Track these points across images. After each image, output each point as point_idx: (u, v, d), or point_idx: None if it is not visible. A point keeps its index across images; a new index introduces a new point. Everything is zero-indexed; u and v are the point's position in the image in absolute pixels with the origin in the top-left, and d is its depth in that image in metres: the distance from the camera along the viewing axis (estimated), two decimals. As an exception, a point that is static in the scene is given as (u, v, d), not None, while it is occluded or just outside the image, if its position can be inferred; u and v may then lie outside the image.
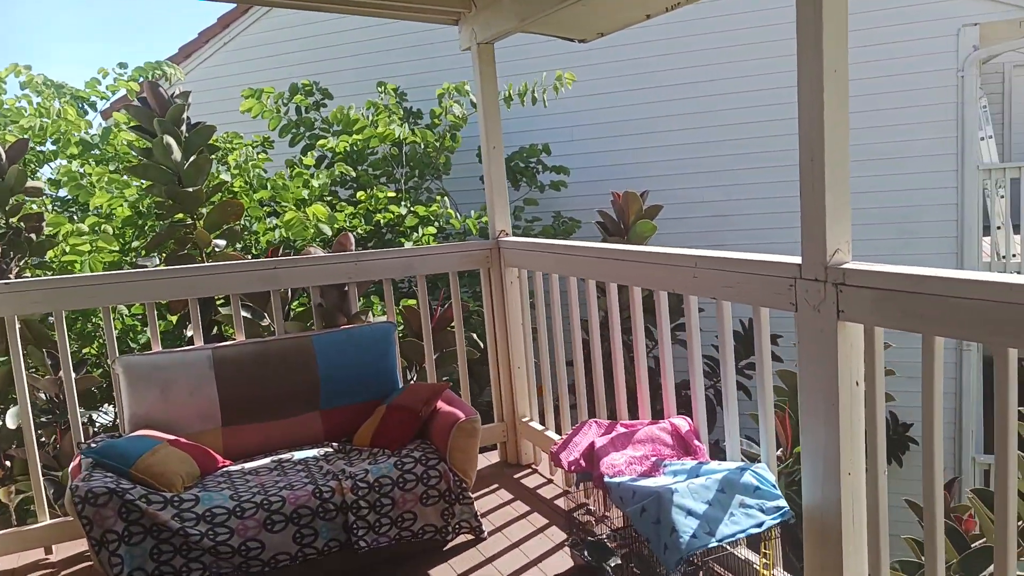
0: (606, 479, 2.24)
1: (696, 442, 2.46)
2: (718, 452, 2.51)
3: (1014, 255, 7.80)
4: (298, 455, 2.85)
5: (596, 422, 2.69)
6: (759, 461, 2.21)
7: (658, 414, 2.71)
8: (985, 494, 2.93)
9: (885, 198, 7.28)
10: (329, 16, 8.65)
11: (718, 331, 2.24)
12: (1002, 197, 7.61)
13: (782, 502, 2.07)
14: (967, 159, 7.11)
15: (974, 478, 7.59)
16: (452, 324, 4.37)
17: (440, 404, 2.98)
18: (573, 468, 2.41)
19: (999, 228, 7.73)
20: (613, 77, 8.00)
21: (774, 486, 2.10)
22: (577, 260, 2.89)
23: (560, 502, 3.11)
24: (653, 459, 2.35)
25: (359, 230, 5.98)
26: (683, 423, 2.52)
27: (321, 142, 6.82)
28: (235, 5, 8.89)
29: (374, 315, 4.23)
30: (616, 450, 2.39)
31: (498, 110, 3.38)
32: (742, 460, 2.33)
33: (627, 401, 2.88)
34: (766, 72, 7.49)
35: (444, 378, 4.30)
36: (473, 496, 2.83)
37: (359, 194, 6.22)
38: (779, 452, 3.71)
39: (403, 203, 6.21)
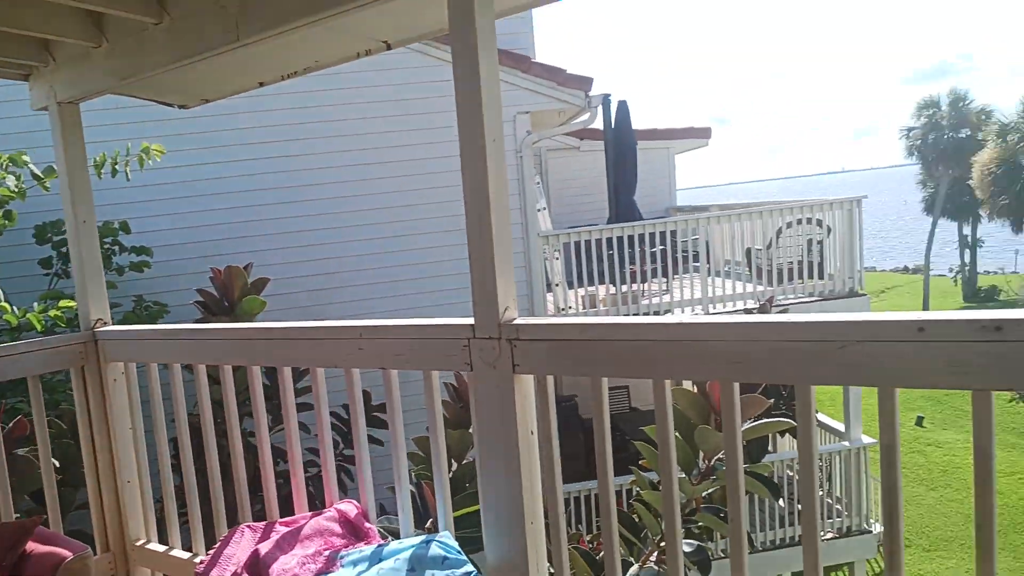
0: (282, 588, 1.96)
1: (367, 524, 2.31)
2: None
3: (570, 307, 9.21)
4: None
5: (249, 527, 2.37)
6: (438, 531, 2.16)
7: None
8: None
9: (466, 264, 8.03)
10: None
11: (387, 402, 2.15)
12: (557, 259, 8.97)
13: (470, 567, 2.04)
14: (530, 228, 8.23)
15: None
16: (31, 440, 3.54)
17: (33, 546, 2.35)
18: (236, 585, 2.07)
19: (557, 285, 9.07)
20: (199, 149, 7.52)
21: (460, 552, 2.06)
22: (211, 344, 2.55)
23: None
24: (327, 553, 2.14)
25: None
26: (350, 507, 2.35)
27: None
28: None
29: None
30: (284, 552, 2.12)
31: (88, 179, 2.87)
32: (416, 533, 2.25)
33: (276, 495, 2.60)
34: (354, 148, 7.77)
35: (16, 515, 3.43)
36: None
37: None
38: (428, 523, 3.70)
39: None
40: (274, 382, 2.51)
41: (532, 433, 1.90)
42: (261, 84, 2.94)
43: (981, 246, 38.88)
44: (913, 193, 41.64)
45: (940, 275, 40.97)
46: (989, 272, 40.82)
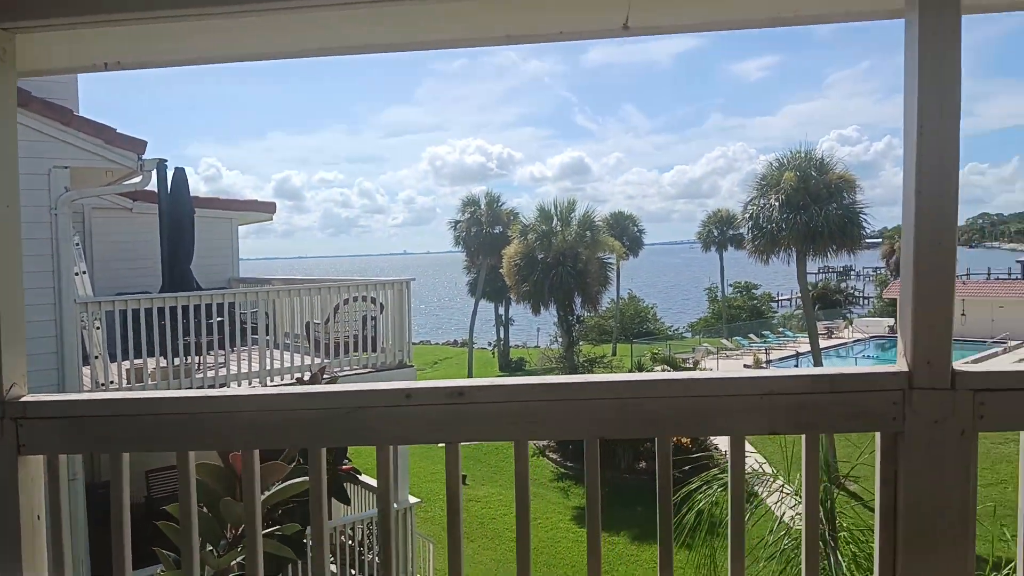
0: None
1: None
2: None
3: (112, 382, 8.36)
4: None
5: None
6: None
7: None
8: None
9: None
10: None
11: None
12: (98, 328, 8.11)
13: None
14: (64, 293, 7.35)
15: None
16: None
17: None
18: None
19: (97, 357, 8.18)
20: None
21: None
22: None
23: None
24: None
25: None
26: None
27: None
28: None
29: None
30: None
31: None
32: None
33: None
34: None
35: None
36: None
37: None
38: None
39: None
40: None
41: (39, 518, 1.78)
42: None
43: (512, 324, 45.69)
44: (461, 277, 47.20)
45: (482, 348, 46.84)
46: (518, 346, 47.97)
